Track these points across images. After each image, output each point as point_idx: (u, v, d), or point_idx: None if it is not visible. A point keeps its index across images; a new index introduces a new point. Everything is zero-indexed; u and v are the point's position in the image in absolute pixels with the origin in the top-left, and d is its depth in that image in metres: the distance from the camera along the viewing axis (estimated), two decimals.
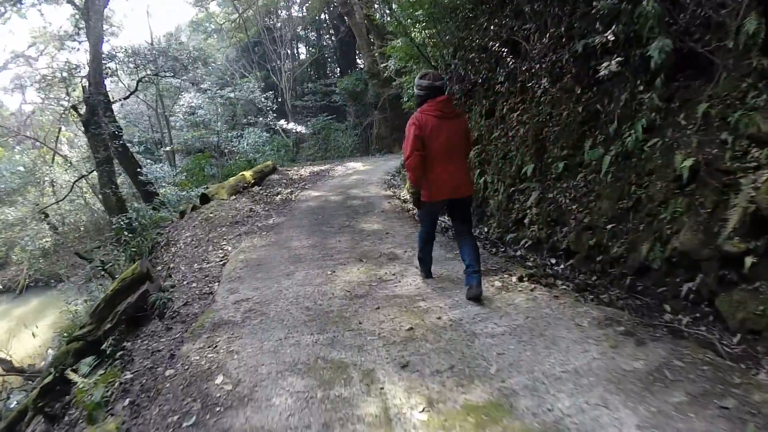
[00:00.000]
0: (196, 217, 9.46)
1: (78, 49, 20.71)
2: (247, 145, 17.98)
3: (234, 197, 10.56)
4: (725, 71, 3.76)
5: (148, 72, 15.66)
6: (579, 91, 5.51)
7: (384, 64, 15.22)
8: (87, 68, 12.81)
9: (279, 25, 27.20)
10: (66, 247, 16.12)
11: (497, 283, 4.56)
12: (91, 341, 6.11)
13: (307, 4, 29.42)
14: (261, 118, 20.32)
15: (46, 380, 5.96)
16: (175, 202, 13.08)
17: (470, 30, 8.88)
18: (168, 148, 19.63)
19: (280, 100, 24.77)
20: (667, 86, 4.25)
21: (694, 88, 4.08)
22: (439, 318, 3.82)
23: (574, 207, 5.23)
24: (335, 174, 14.66)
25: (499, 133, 7.09)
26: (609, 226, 4.64)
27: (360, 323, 3.84)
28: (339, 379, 3.06)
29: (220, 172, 16.27)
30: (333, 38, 30.05)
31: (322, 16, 30.49)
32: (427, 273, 4.71)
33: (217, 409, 2.92)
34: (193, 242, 8.17)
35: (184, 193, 13.16)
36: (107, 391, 3.86)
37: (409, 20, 10.94)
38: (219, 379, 3.28)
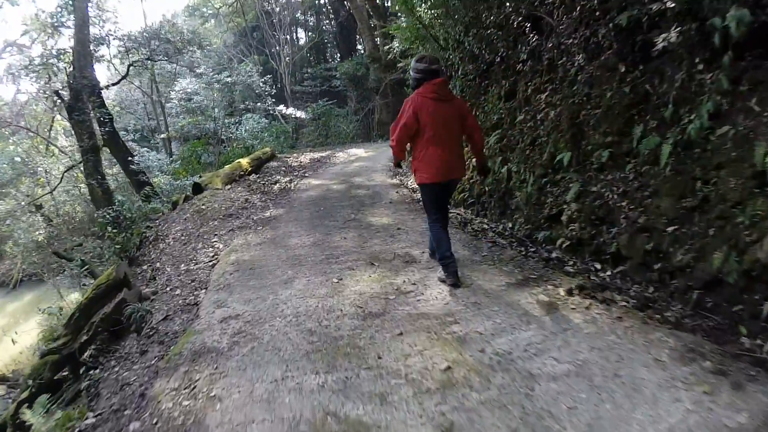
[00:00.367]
0: (188, 209, 8.47)
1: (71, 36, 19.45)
2: (245, 131, 16.90)
3: (229, 186, 9.54)
4: None
5: (141, 56, 14.50)
6: (623, 70, 4.57)
7: (388, 46, 14.06)
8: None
9: (278, 9, 25.83)
10: (60, 239, 15.12)
11: (543, 297, 3.60)
12: (67, 355, 5.24)
13: None
14: (259, 104, 19.17)
15: (24, 395, 5.15)
16: (168, 192, 12.09)
17: (485, 4, 7.81)
18: (163, 136, 18.45)
19: (279, 86, 23.59)
20: (733, 66, 3.34)
21: (766, 68, 3.19)
22: (482, 351, 2.86)
23: (624, 204, 4.26)
24: (337, 161, 13.62)
25: (525, 116, 6.08)
26: (670, 229, 3.71)
27: (379, 357, 2.88)
28: None
29: (217, 159, 15.20)
30: (333, 22, 28.68)
31: (322, 0, 29.12)
32: (455, 278, 3.90)
33: None
34: (183, 237, 7.20)
35: (178, 182, 12.16)
36: None
37: None
38: None
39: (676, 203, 3.69)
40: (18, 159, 17.48)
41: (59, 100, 11.62)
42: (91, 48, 12.75)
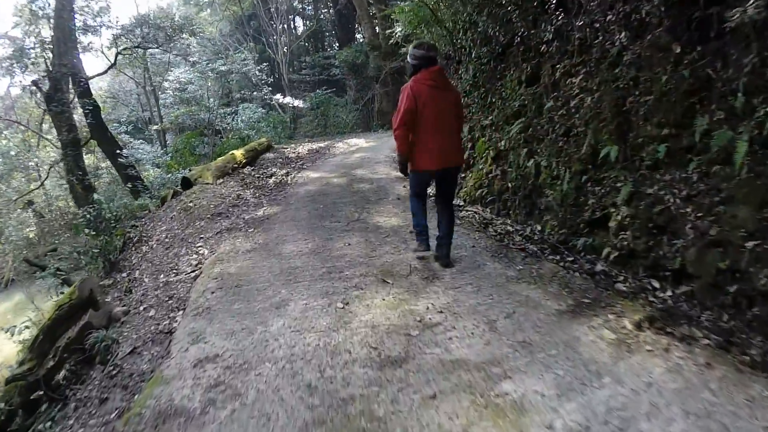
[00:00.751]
0: (176, 207, 7.53)
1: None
2: (241, 121, 15.84)
3: (221, 181, 8.57)
4: None
5: (130, 44, 13.40)
6: (678, 51, 3.67)
7: (389, 30, 12.95)
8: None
9: None
10: (51, 234, 14.15)
11: (607, 333, 2.70)
12: (33, 381, 4.40)
13: None
14: (255, 93, 18.07)
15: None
16: (159, 187, 11.12)
17: None
18: (156, 127, 17.34)
19: (277, 75, 22.45)
20: None
21: None
22: (551, 428, 1.94)
23: (689, 210, 3.35)
24: (336, 151, 12.62)
25: (554, 103, 5.13)
26: (750, 244, 2.84)
27: None
28: None
29: (212, 151, 14.18)
30: (331, 10, 27.37)
31: None
32: (426, 245, 3.90)
33: None
34: (167, 240, 6.27)
35: (169, 175, 11.16)
36: None
37: None
38: None
39: (757, 213, 2.83)
40: (12, 153, 16.43)
41: (38, 91, 10.53)
42: (78, 36, 11.70)
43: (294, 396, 2.34)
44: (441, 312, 3.01)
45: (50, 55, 11.21)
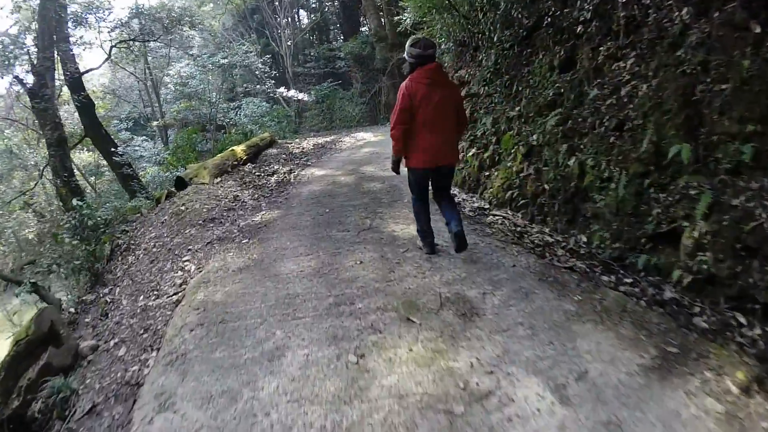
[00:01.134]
0: (168, 209, 6.71)
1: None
2: (244, 116, 14.96)
3: (218, 180, 7.74)
4: None
5: (126, 36, 12.52)
6: (758, 30, 2.94)
7: (397, 18, 11.99)
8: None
9: None
10: (50, 235, 13.39)
11: (711, 404, 1.91)
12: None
13: None
14: (258, 86, 17.16)
15: None
16: (157, 186, 10.33)
17: None
18: (157, 123, 16.47)
19: (281, 69, 21.50)
20: None
21: None
22: None
23: None
24: (343, 146, 11.74)
25: (599, 92, 4.25)
26: None
27: None
28: None
29: (213, 147, 13.33)
30: (336, 2, 26.30)
31: None
32: (430, 248, 3.76)
33: None
34: (155, 249, 5.47)
35: (167, 173, 10.35)
36: None
37: None
38: None
39: None
40: (15, 151, 15.70)
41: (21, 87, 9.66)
42: (70, 30, 10.84)
43: None
44: (491, 372, 2.17)
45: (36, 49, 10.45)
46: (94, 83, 20.34)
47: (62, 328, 3.72)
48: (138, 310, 3.92)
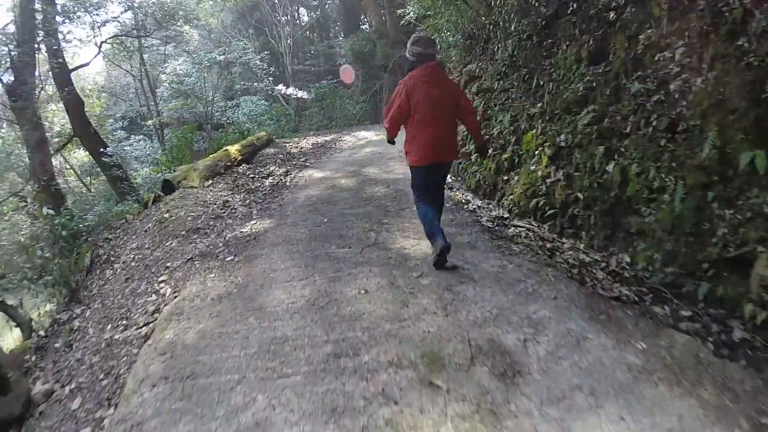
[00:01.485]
0: (153, 216, 6.02)
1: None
2: (242, 114, 14.24)
3: (209, 182, 7.04)
4: None
5: (117, 31, 11.80)
6: None
7: (400, 11, 11.26)
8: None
9: None
10: (43, 238, 12.67)
11: None
12: None
13: None
14: (256, 83, 16.41)
15: None
16: (149, 188, 9.63)
17: None
18: (152, 121, 15.72)
19: (281, 68, 20.74)
20: None
21: None
22: None
23: None
24: (344, 146, 11.02)
25: (642, 86, 3.56)
26: None
27: None
28: None
29: (209, 146, 12.60)
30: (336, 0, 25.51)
31: None
32: (440, 250, 3.20)
33: None
34: (133, 263, 4.78)
35: (159, 175, 9.64)
36: None
37: None
38: None
39: None
40: (8, 152, 14.98)
41: None
42: (58, 25, 10.11)
43: None
44: None
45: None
46: (89, 81, 19.59)
47: (11, 371, 3.04)
48: (103, 344, 3.24)
